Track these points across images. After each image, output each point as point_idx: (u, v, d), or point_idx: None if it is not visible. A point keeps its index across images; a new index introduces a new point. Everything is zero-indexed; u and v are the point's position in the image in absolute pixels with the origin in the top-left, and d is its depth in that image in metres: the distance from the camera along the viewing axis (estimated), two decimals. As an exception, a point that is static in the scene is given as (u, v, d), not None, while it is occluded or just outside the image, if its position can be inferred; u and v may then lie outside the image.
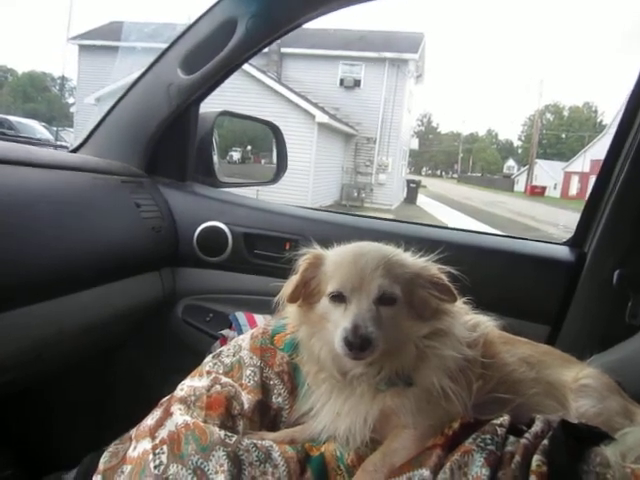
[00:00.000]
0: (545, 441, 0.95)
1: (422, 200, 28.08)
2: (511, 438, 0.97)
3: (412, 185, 27.65)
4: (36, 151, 1.82)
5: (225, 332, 1.77)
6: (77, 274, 1.59)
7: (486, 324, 1.23)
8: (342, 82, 23.18)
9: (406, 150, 30.10)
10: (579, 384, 1.17)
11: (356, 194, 23.24)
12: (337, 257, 1.12)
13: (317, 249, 1.18)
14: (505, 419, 1.02)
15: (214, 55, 1.92)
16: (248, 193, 2.39)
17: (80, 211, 1.66)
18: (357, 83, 23.21)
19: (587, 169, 38.75)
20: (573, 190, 42.64)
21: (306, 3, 1.85)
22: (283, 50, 22.04)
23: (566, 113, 78.15)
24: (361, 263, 1.06)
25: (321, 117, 18.98)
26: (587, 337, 1.78)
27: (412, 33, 25.77)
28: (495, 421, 1.01)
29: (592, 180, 2.03)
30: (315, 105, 19.84)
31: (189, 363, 1.39)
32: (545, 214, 24.49)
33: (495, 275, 1.85)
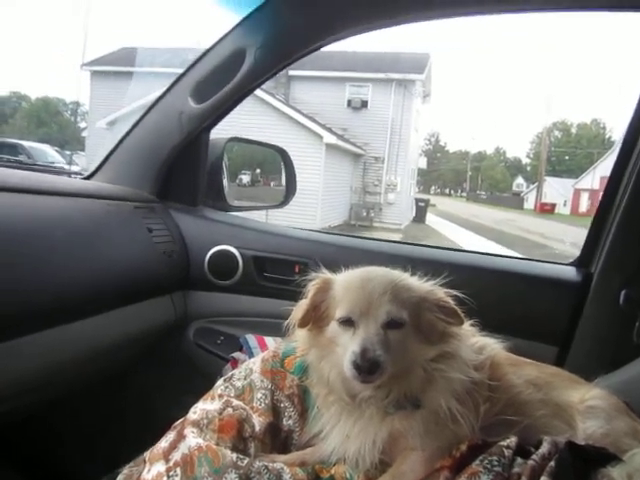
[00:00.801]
0: (552, 463, 0.96)
1: (431, 219, 28.00)
2: (518, 460, 0.98)
3: (421, 204, 27.60)
4: (52, 179, 1.88)
5: (236, 354, 1.79)
6: (91, 300, 1.62)
7: (493, 346, 1.25)
8: (349, 103, 23.38)
9: (414, 169, 30.17)
10: (586, 405, 1.17)
11: (365, 214, 23.26)
12: (345, 282, 1.14)
13: (326, 274, 1.20)
14: (512, 441, 1.03)
15: (223, 85, 1.98)
16: (257, 214, 2.43)
17: (94, 237, 1.69)
18: (364, 104, 23.40)
19: (597, 186, 38.55)
20: (583, 207, 42.38)
21: (311, 34, 1.91)
22: (291, 72, 22.30)
23: (574, 130, 78.03)
24: (369, 288, 1.08)
25: (329, 138, 19.11)
26: (595, 358, 1.78)
27: (418, 54, 25.97)
28: (502, 443, 1.02)
29: (602, 197, 2.03)
30: (323, 126, 19.99)
31: (200, 385, 1.41)
32: (555, 231, 24.34)
33: (502, 296, 1.86)
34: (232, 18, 1.95)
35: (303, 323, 1.15)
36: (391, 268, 1.19)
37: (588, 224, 2.01)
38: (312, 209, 17.58)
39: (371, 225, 22.46)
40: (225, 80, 1.97)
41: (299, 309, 1.17)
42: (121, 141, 2.17)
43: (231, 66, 1.94)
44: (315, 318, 1.16)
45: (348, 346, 1.05)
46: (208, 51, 1.99)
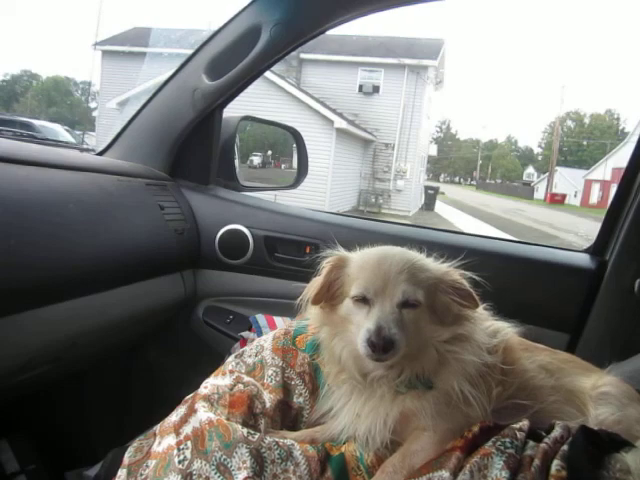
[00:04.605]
0: (565, 446, 0.96)
1: (440, 207, 27.93)
2: (530, 442, 0.98)
3: (430, 192, 27.54)
4: (64, 153, 1.87)
5: (245, 334, 1.79)
6: (101, 274, 1.62)
7: (506, 330, 1.24)
8: (361, 88, 23.21)
9: (424, 156, 30.00)
10: (599, 392, 1.17)
11: (374, 200, 23.23)
12: (361, 260, 1.13)
13: (341, 251, 1.19)
14: (525, 424, 1.02)
15: (238, 61, 1.96)
16: (265, 197, 2.42)
17: (105, 212, 1.69)
18: (376, 89, 23.23)
19: (608, 177, 38.28)
20: (594, 198, 42.12)
21: (328, 11, 1.88)
22: (302, 56, 22.14)
23: (587, 120, 77.18)
24: (385, 267, 1.07)
25: (340, 123, 19.01)
26: (607, 345, 1.77)
27: (432, 39, 25.72)
28: (515, 425, 1.01)
29: (613, 188, 2.01)
30: (334, 111, 19.87)
31: (208, 363, 1.42)
32: (564, 222, 24.21)
33: (516, 282, 1.85)
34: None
35: (316, 300, 1.15)
36: (406, 249, 1.18)
37: (599, 216, 1.99)
38: (321, 194, 17.56)
39: (379, 211, 22.42)
40: (240, 57, 1.95)
41: (313, 286, 1.16)
42: (134, 117, 2.15)
43: (246, 43, 1.92)
44: (328, 296, 1.15)
45: (362, 324, 1.04)
46: (223, 27, 1.96)
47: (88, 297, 1.56)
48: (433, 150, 40.19)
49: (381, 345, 0.99)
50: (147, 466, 1.06)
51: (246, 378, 1.23)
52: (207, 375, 1.30)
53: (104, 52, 22.22)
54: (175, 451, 1.03)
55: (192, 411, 1.12)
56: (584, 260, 1.94)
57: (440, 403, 1.08)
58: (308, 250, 2.03)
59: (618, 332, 1.79)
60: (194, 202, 2.12)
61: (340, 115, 20.05)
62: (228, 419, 1.09)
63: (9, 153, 1.47)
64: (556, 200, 43.63)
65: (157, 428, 1.16)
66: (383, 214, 21.78)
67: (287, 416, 1.23)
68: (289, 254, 2.06)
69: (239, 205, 2.15)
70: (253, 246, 2.05)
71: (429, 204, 26.87)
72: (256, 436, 1.04)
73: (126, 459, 1.12)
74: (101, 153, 2.18)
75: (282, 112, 15.89)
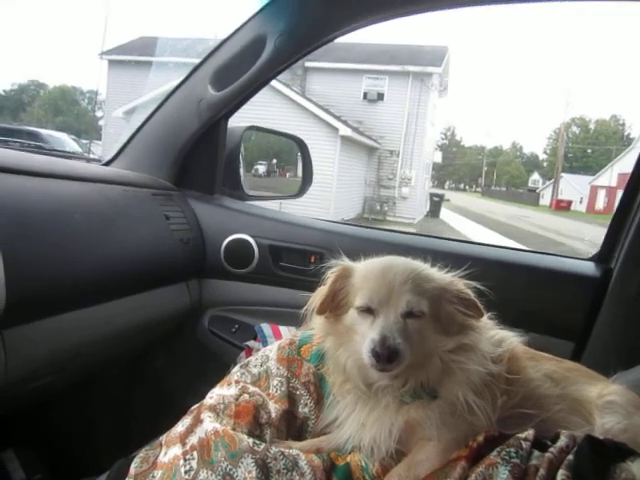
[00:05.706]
0: (570, 456, 0.96)
1: (445, 214, 27.90)
2: (536, 452, 0.98)
3: (435, 199, 27.52)
4: (71, 164, 1.89)
5: (250, 343, 1.80)
6: (107, 284, 1.63)
7: (511, 340, 1.23)
8: (365, 95, 23.29)
9: (429, 163, 30.00)
10: (604, 400, 1.16)
11: (379, 207, 23.23)
12: (366, 270, 1.14)
13: (346, 261, 1.20)
14: (530, 433, 1.02)
15: (243, 72, 1.98)
16: (271, 205, 2.44)
17: (112, 222, 1.70)
18: (380, 96, 23.29)
19: (614, 183, 38.20)
20: (600, 204, 41.99)
21: (333, 22, 1.90)
22: (307, 64, 22.24)
23: (592, 126, 77.02)
24: (389, 277, 1.08)
25: (344, 130, 19.06)
26: (613, 354, 1.76)
27: (436, 47, 25.76)
28: (520, 435, 1.01)
29: (619, 194, 2.01)
30: (338, 118, 19.93)
31: (214, 373, 1.42)
32: (570, 229, 24.12)
33: (520, 290, 1.84)
34: (252, 6, 1.94)
35: (321, 310, 1.15)
36: (411, 259, 1.19)
37: (605, 222, 1.98)
38: (326, 202, 17.56)
39: (384, 219, 22.41)
40: (245, 67, 1.97)
41: (318, 296, 1.16)
42: (140, 128, 2.17)
43: (251, 53, 1.94)
44: (333, 306, 1.15)
45: (367, 334, 1.04)
46: (228, 38, 1.98)
47: (93, 307, 1.57)
48: (438, 157, 40.22)
49: (385, 355, 1.00)
50: (153, 476, 1.06)
51: (251, 388, 1.23)
52: (212, 384, 1.30)
53: (110, 61, 22.39)
54: (181, 461, 1.04)
55: (198, 421, 1.12)
56: (589, 268, 1.94)
57: (445, 413, 1.08)
58: (313, 259, 2.03)
59: (623, 340, 1.78)
60: (199, 211, 2.13)
61: (345, 122, 20.11)
62: (234, 429, 1.09)
63: (14, 164, 1.48)
64: (562, 206, 43.51)
65: (163, 438, 1.16)
66: (388, 221, 21.77)
67: (292, 426, 1.23)
68: (294, 263, 2.07)
69: (244, 214, 2.16)
70: (258, 255, 2.06)
71: (434, 211, 26.85)
72: (262, 446, 1.04)
73: (132, 469, 1.12)
74: (107, 163, 2.20)
75: (287, 120, 15.95)
